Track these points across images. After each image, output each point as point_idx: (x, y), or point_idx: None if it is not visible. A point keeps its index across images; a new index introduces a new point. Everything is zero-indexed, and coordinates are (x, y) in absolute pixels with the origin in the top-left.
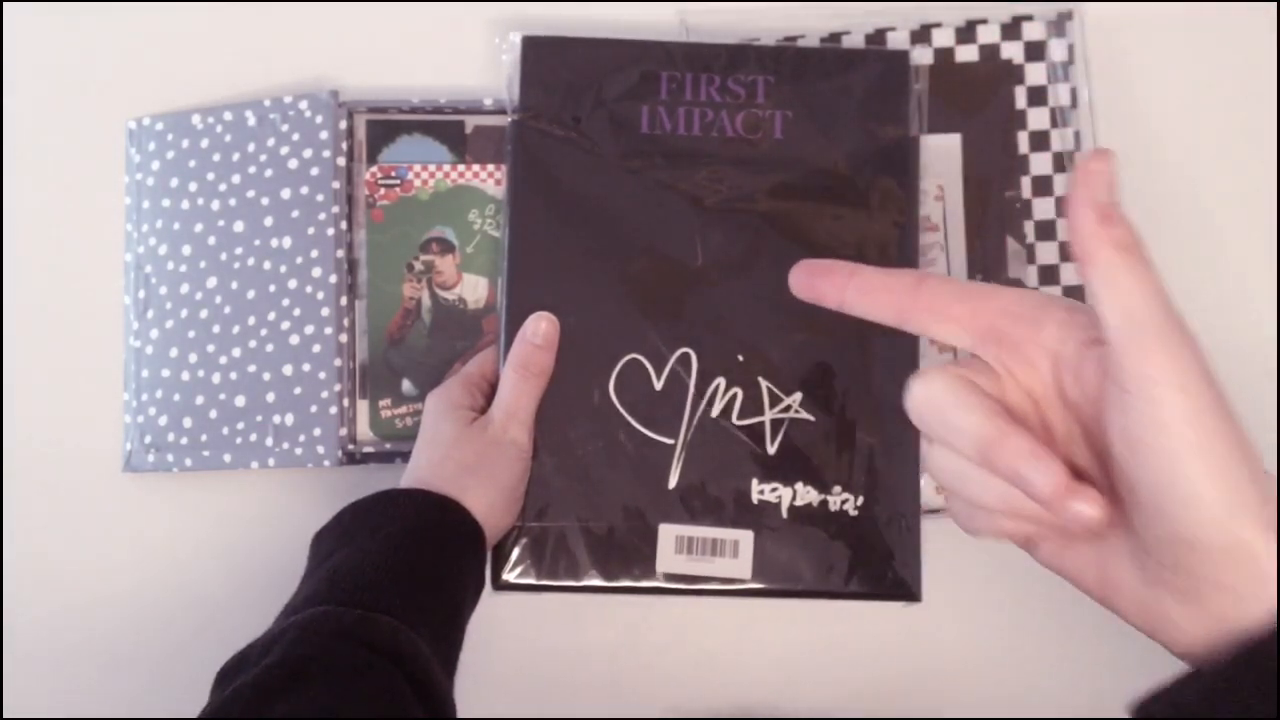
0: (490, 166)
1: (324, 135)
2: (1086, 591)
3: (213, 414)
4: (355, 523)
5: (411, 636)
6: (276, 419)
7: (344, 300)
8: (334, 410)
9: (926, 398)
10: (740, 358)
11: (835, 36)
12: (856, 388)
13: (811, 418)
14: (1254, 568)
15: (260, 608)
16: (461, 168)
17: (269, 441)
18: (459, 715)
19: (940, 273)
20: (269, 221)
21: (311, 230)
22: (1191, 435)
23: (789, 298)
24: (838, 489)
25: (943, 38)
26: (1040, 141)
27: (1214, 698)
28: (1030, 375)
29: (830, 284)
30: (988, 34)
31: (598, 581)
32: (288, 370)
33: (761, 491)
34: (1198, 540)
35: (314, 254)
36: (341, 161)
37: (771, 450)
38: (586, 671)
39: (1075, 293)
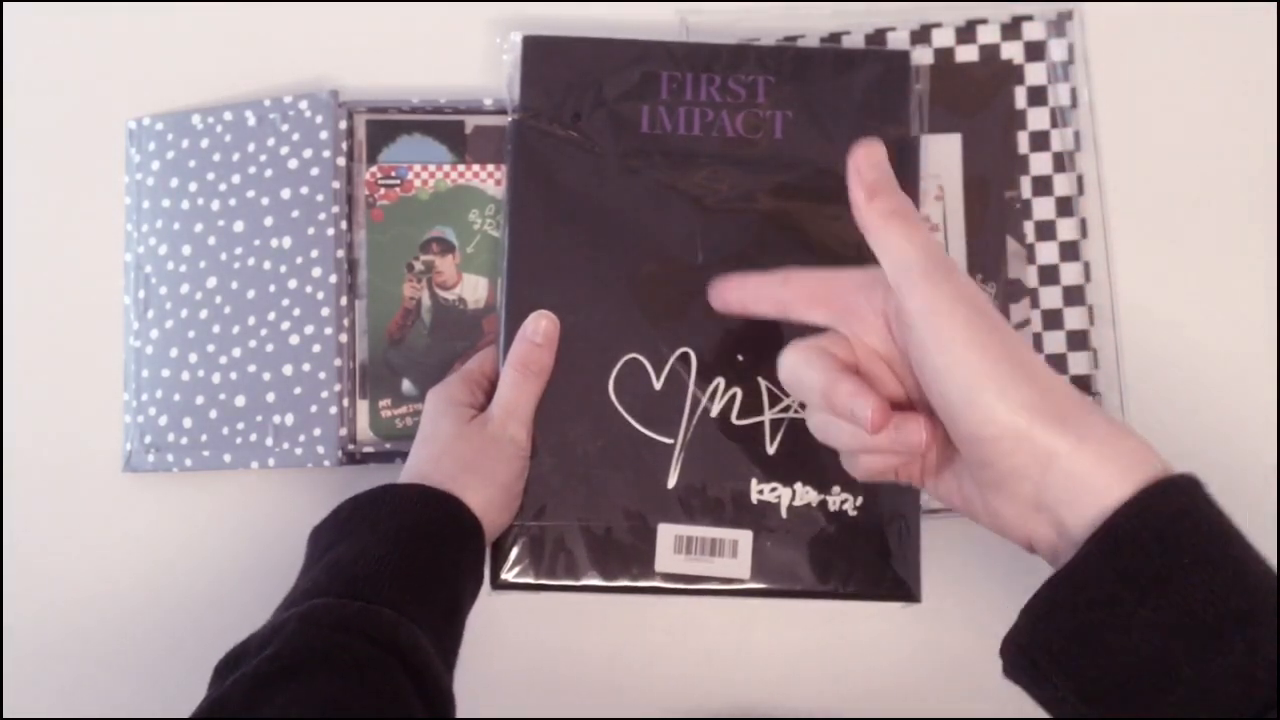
0: (490, 166)
1: (324, 135)
2: (960, 511)
3: (213, 414)
4: (354, 517)
5: (412, 630)
6: (276, 419)
7: (344, 300)
8: (334, 410)
9: (788, 366)
10: (740, 357)
11: (835, 36)
12: None
13: None
14: (1037, 453)
15: (260, 608)
16: (461, 168)
17: (269, 441)
18: (458, 716)
19: None
20: (269, 221)
21: (311, 230)
22: (960, 348)
23: None
24: (837, 489)
25: (943, 38)
26: (1040, 141)
27: (1054, 595)
28: (874, 337)
29: (729, 295)
30: (988, 34)
31: (596, 581)
32: (288, 370)
33: (761, 491)
34: (983, 435)
35: (314, 254)
36: (341, 161)
37: (771, 450)
38: (586, 671)
39: (1074, 293)
